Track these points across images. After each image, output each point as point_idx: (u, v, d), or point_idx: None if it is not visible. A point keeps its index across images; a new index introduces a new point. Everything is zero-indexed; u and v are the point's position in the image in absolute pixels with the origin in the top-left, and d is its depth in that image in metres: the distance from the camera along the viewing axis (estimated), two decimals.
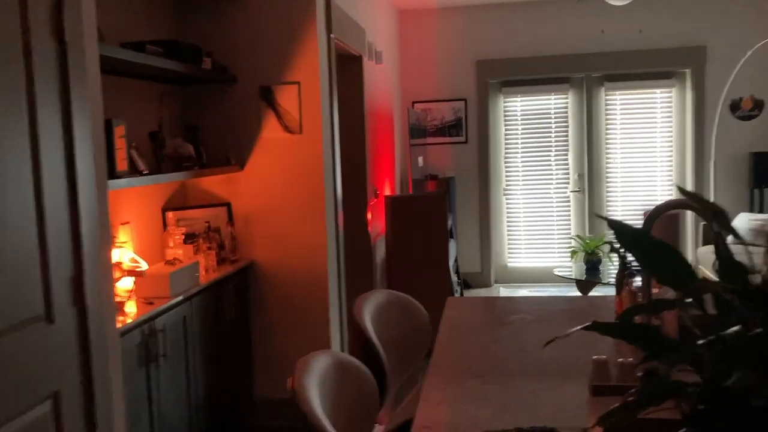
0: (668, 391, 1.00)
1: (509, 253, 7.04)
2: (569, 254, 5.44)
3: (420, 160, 5.73)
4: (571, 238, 5.58)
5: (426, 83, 6.88)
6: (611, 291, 5.82)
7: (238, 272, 3.49)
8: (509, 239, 7.02)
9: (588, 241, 5.41)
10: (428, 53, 6.84)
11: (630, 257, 2.85)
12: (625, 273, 2.04)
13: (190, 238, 3.37)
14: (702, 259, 5.86)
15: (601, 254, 5.42)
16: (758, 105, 6.40)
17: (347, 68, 4.66)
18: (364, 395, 1.59)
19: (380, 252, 5.18)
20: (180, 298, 2.82)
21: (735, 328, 1.00)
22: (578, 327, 1.07)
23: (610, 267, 5.57)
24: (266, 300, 3.66)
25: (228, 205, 3.62)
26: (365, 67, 4.82)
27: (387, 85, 5.86)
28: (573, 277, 5.38)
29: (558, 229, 6.89)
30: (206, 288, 3.10)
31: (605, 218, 1.03)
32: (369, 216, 4.85)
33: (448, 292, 5.05)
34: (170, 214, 3.47)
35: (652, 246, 1.05)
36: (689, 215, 6.62)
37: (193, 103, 3.63)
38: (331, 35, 3.82)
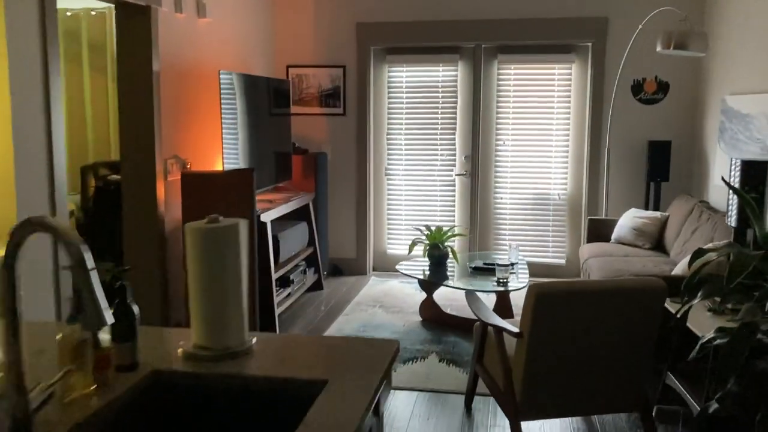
0: None
1: (389, 239, 6.40)
2: (409, 246, 4.78)
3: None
4: (416, 227, 4.85)
5: (303, 46, 6.18)
6: (456, 295, 5.07)
7: None
8: (389, 224, 6.37)
9: (432, 232, 4.75)
10: (305, 11, 6.13)
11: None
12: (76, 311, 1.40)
13: None
14: (583, 254, 5.19)
15: (447, 249, 4.76)
16: (663, 88, 5.65)
17: (129, 20, 3.99)
18: None
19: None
20: None
21: None
22: None
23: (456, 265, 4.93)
24: None
25: None
26: (161, 20, 4.14)
27: (222, 44, 5.17)
28: (411, 273, 4.73)
29: (441, 216, 6.23)
30: None
31: None
32: (162, 196, 4.22)
33: (252, 297, 4.42)
34: None
35: None
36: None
37: None
38: None
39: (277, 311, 4.74)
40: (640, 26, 5.14)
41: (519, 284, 4.45)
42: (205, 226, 1.59)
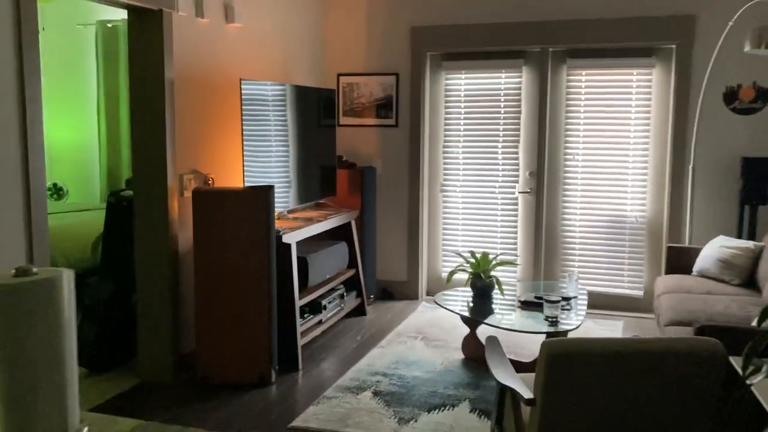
0: None
1: (444, 261, 5.87)
2: (450, 275, 4.23)
3: None
4: (458, 253, 4.20)
5: (354, 53, 5.78)
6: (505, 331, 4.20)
7: None
8: (444, 245, 5.84)
9: (477, 260, 4.19)
10: (356, 16, 5.73)
11: None
12: None
13: None
14: (658, 288, 4.46)
15: (492, 279, 4.19)
16: (762, 95, 4.83)
17: (141, 25, 3.72)
18: None
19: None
20: None
21: None
22: None
23: (502, 299, 4.34)
24: None
25: None
26: (178, 26, 3.85)
27: (257, 51, 4.85)
28: (450, 307, 4.18)
29: (502, 238, 5.63)
30: None
31: None
32: (176, 213, 3.91)
33: (267, 327, 3.99)
34: None
35: None
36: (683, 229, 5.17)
37: None
38: None
39: (303, 341, 4.34)
40: (731, 23, 4.39)
41: (572, 324, 3.83)
42: (8, 281, 1.17)
